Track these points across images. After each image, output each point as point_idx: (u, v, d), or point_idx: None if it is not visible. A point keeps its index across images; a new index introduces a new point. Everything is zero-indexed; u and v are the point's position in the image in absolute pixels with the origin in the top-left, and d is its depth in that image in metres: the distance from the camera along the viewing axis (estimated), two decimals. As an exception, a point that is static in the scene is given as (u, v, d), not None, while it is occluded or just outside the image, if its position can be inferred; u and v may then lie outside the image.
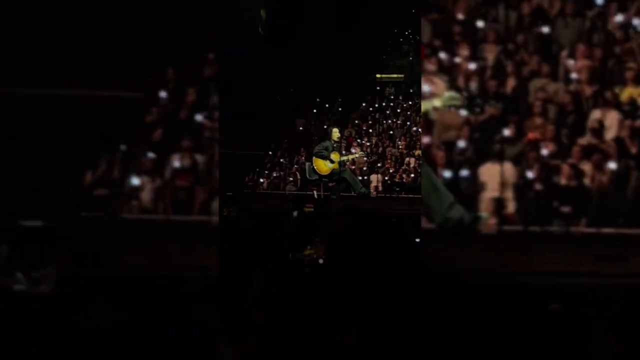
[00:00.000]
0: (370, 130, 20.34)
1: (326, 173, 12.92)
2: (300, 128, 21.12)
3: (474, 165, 6.26)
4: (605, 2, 6.31)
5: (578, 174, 6.21)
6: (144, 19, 6.23)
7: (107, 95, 6.22)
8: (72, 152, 6.21)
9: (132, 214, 6.23)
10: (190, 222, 6.23)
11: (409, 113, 20.84)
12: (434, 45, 6.23)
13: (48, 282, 5.57)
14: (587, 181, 6.24)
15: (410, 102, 21.47)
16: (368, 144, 19.39)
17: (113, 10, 6.17)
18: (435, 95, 6.23)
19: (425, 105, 6.33)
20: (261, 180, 19.05)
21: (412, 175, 17.22)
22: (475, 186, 6.27)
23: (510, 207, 6.24)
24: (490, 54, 6.26)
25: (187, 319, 5.34)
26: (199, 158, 6.28)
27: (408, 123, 20.36)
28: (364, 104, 21.56)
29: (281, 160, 19.55)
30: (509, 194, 6.25)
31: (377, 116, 21.18)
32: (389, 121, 20.74)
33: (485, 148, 6.26)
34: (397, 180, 17.72)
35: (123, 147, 6.22)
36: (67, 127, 6.19)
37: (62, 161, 6.20)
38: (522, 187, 6.24)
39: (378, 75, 22.88)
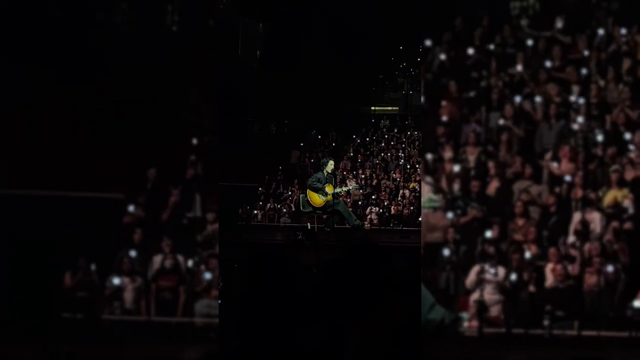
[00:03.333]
0: (365, 163, 20.32)
1: (320, 205, 12.90)
2: (294, 160, 21.12)
3: (456, 267, 6.24)
4: (587, 103, 6.31)
5: (564, 276, 6.19)
6: (124, 119, 6.23)
7: (89, 197, 6.21)
8: (53, 253, 6.19)
9: (114, 315, 6.21)
10: (173, 323, 6.23)
11: (403, 145, 20.81)
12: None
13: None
14: (571, 283, 6.23)
15: (404, 135, 21.45)
16: (362, 176, 19.38)
17: (95, 113, 6.16)
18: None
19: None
20: (255, 212, 19.01)
21: (407, 207, 17.22)
22: (457, 287, 6.26)
23: (493, 309, 6.22)
24: (472, 155, 6.24)
25: None
26: (182, 259, 6.27)
27: (402, 155, 20.34)
28: (355, 136, 21.56)
29: (275, 192, 19.52)
30: (492, 296, 6.23)
31: (371, 148, 21.16)
32: (384, 153, 20.71)
33: (468, 250, 6.24)
34: (392, 212, 17.70)
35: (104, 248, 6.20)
36: (49, 227, 6.18)
37: (43, 262, 6.19)
38: (506, 289, 6.22)
39: (372, 108, 22.87)
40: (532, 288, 6.19)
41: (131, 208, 6.15)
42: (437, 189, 6.22)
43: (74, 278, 6.16)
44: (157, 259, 6.25)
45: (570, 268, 6.21)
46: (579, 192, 6.23)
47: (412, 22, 16.93)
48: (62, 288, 6.21)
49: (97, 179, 6.19)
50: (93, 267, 6.14)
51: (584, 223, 6.20)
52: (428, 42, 6.32)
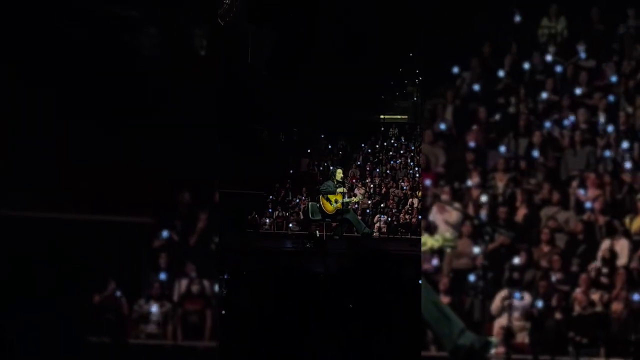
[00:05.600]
0: (374, 171, 20.35)
1: (331, 213, 12.94)
2: (304, 168, 21.15)
3: (484, 293, 6.25)
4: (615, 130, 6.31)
5: (590, 302, 6.19)
6: (154, 144, 6.24)
7: (117, 221, 6.21)
8: (82, 276, 6.20)
9: (140, 339, 6.22)
10: (200, 347, 6.23)
11: (412, 154, 20.84)
12: (441, 173, 6.24)
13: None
14: (600, 310, 6.22)
15: (413, 143, 21.48)
16: (371, 184, 19.41)
17: (123, 135, 6.18)
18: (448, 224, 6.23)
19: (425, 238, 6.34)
20: (264, 219, 19.03)
21: (415, 216, 17.27)
22: (485, 314, 6.26)
23: (520, 335, 6.22)
24: (501, 182, 6.25)
25: None
26: (208, 283, 6.27)
27: (411, 164, 20.38)
28: (364, 145, 21.59)
29: (284, 199, 19.55)
30: (519, 323, 6.23)
31: (380, 157, 21.18)
32: (392, 162, 20.74)
33: (495, 276, 6.25)
34: (400, 221, 17.73)
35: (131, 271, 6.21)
36: (76, 250, 6.19)
37: (70, 283, 6.20)
38: (532, 315, 6.22)
39: (382, 117, 22.87)
40: (558, 315, 6.19)
41: (164, 233, 6.16)
42: (465, 216, 6.23)
43: (102, 299, 6.17)
44: (184, 283, 6.26)
45: (596, 295, 6.21)
46: (602, 219, 6.23)
47: (421, 31, 16.92)
48: (90, 311, 6.22)
49: (126, 203, 6.20)
50: (119, 293, 6.15)
51: (612, 250, 6.20)
52: (455, 69, 6.34)
